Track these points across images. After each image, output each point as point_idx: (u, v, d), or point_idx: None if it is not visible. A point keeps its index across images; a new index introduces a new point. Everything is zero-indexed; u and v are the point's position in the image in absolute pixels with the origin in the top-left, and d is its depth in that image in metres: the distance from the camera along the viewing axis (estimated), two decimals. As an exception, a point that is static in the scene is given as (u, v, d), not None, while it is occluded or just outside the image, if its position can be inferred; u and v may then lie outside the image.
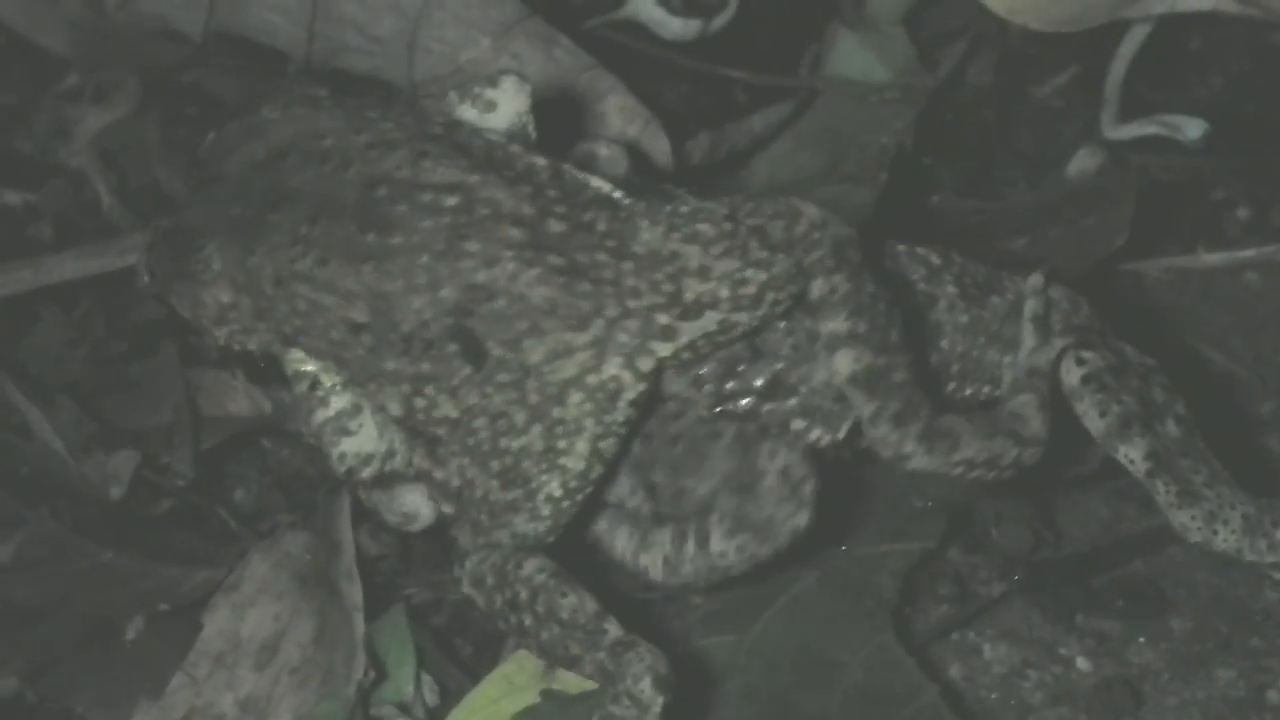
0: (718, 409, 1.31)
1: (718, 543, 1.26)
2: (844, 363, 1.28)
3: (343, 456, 1.34)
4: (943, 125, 1.76)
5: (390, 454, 1.35)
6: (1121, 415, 1.37)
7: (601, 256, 1.27)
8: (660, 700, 1.22)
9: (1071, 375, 1.38)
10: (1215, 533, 1.38)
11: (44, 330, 1.57)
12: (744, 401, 1.31)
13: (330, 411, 1.33)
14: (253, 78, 1.68)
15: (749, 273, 1.27)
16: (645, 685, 1.22)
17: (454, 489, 1.30)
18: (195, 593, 1.40)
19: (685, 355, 1.28)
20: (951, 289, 1.37)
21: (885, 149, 1.63)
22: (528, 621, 1.26)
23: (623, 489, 1.32)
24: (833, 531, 1.36)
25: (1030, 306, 1.37)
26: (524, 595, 1.26)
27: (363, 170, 1.29)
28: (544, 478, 1.26)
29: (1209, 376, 1.60)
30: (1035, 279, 1.38)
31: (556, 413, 1.26)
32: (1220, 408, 1.56)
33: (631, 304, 1.26)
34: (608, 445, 1.27)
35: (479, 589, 1.28)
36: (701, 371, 1.31)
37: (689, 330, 1.27)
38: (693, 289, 1.27)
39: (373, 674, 1.34)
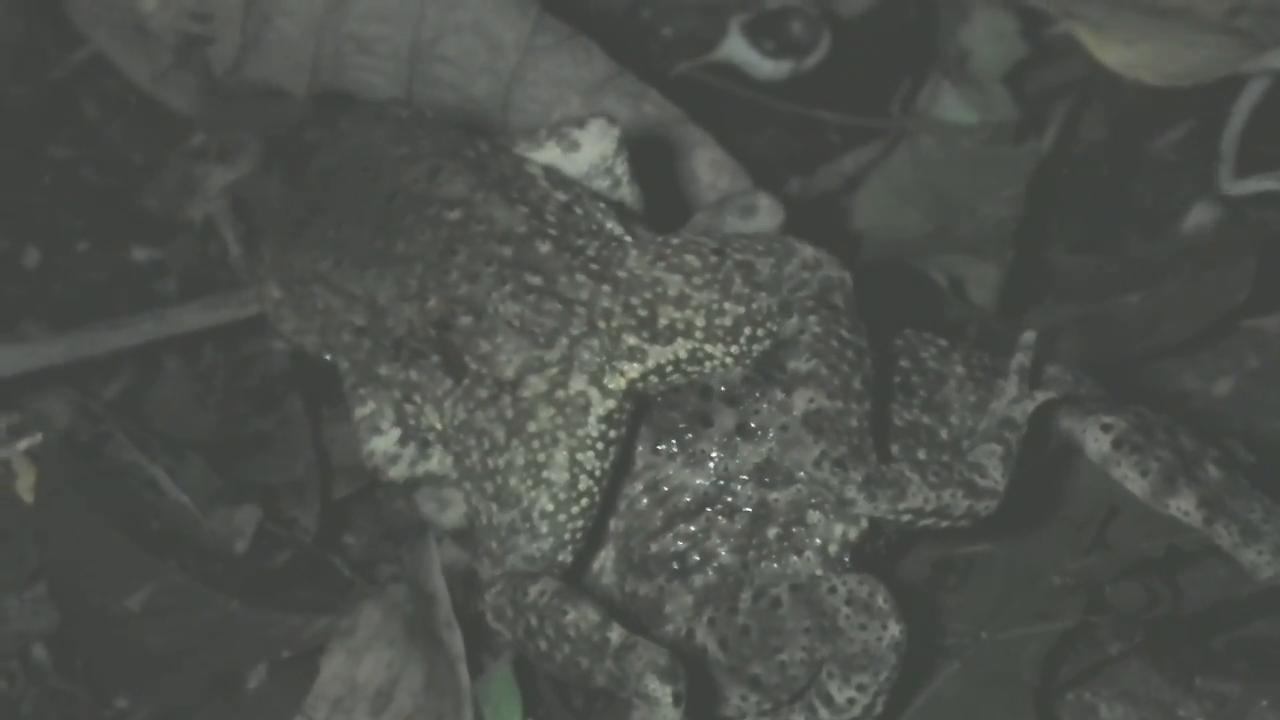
0: (722, 497, 1.31)
1: (840, 694, 1.27)
2: (799, 401, 1.28)
3: (370, 454, 1.39)
4: (1056, 180, 1.75)
5: (422, 458, 1.38)
6: (1162, 470, 1.37)
7: (581, 278, 1.29)
8: (668, 691, 1.21)
9: (1101, 443, 1.39)
10: None
11: (169, 384, 1.61)
12: (743, 487, 1.31)
13: (366, 410, 1.38)
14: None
15: (727, 305, 1.29)
16: (651, 681, 1.21)
17: (470, 516, 1.32)
18: (315, 640, 1.42)
19: (654, 380, 1.30)
20: (960, 369, 1.39)
21: (1005, 223, 1.62)
22: (544, 646, 1.26)
23: (737, 703, 1.30)
24: (972, 617, 1.36)
25: (1018, 359, 1.37)
26: (534, 621, 1.26)
27: (389, 181, 1.33)
28: (533, 494, 1.28)
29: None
30: (1027, 335, 1.39)
31: (531, 427, 1.28)
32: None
33: (601, 324, 1.28)
34: (587, 458, 1.28)
35: (501, 621, 1.29)
36: (696, 448, 1.31)
37: (657, 354, 1.29)
38: (667, 315, 1.29)
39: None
